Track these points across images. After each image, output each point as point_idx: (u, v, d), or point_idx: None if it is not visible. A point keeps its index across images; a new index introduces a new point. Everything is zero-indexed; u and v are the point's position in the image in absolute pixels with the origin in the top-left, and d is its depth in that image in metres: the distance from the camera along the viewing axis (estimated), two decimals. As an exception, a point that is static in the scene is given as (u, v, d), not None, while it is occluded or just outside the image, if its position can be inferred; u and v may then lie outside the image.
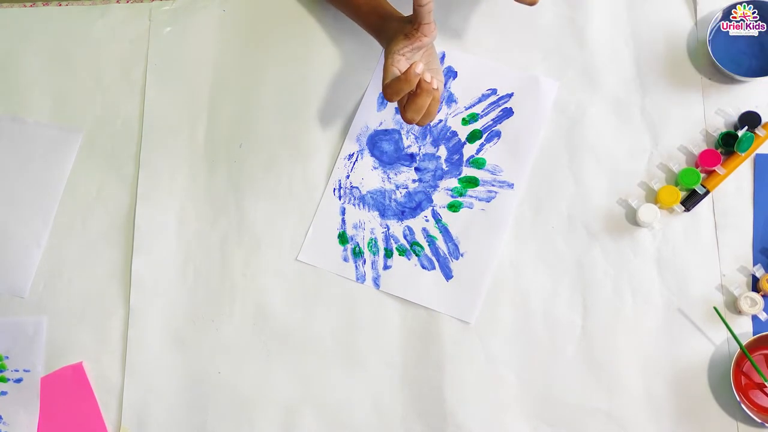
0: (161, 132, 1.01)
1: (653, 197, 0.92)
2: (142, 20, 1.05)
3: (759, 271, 0.88)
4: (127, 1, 1.06)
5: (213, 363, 0.94)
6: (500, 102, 0.97)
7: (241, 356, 0.94)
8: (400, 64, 0.84)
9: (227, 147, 1.00)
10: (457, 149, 0.96)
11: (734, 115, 0.92)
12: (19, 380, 0.96)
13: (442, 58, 0.99)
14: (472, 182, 0.95)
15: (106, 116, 1.02)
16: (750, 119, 0.91)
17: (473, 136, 0.96)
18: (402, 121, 0.97)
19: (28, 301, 0.98)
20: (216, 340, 0.95)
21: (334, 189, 0.97)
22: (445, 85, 0.98)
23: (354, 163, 0.97)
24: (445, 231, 0.94)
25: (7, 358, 0.96)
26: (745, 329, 0.88)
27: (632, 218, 0.92)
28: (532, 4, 0.87)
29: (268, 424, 0.92)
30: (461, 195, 0.95)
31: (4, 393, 0.96)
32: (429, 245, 0.94)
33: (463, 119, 0.97)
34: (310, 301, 0.95)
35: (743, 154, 0.90)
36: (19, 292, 0.98)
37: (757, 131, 0.91)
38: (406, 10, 0.86)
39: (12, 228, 1.00)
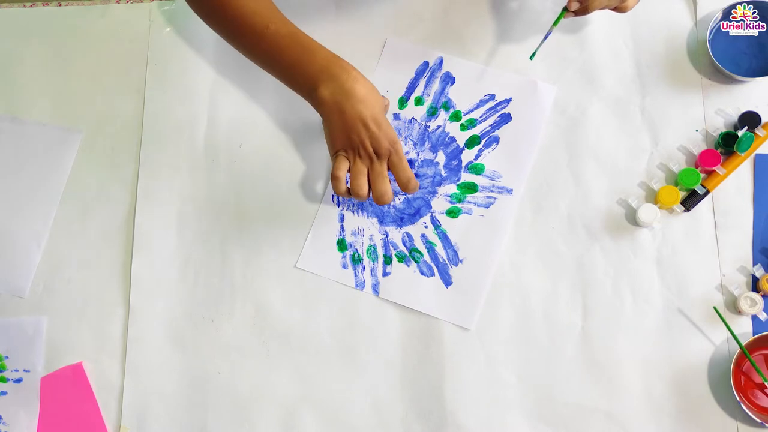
0: (161, 132, 1.01)
1: (653, 197, 0.92)
2: (142, 20, 1.05)
3: (759, 271, 0.88)
4: (127, 1, 1.06)
5: (213, 363, 0.94)
6: (498, 107, 0.97)
7: (241, 356, 0.94)
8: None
9: (227, 147, 1.00)
10: (455, 155, 0.96)
11: (734, 115, 0.92)
12: (19, 380, 0.96)
13: (440, 63, 0.98)
14: (471, 188, 0.95)
15: (106, 116, 1.02)
16: (750, 119, 0.91)
17: (472, 142, 0.96)
18: (400, 127, 0.97)
19: (28, 301, 0.98)
20: (216, 340, 0.95)
21: (333, 196, 0.97)
22: (443, 90, 0.98)
23: None
24: (444, 237, 0.94)
25: (7, 358, 0.96)
26: (745, 329, 0.88)
27: (632, 218, 0.92)
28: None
29: (268, 424, 0.92)
30: (460, 201, 0.95)
31: (4, 393, 0.96)
32: (428, 251, 0.94)
33: (462, 125, 0.97)
34: (310, 300, 0.95)
35: (743, 154, 0.90)
36: (19, 292, 0.98)
37: (757, 131, 0.91)
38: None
39: (12, 228, 1.00)
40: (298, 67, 0.88)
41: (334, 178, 0.88)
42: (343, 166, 0.88)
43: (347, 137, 0.87)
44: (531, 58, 0.92)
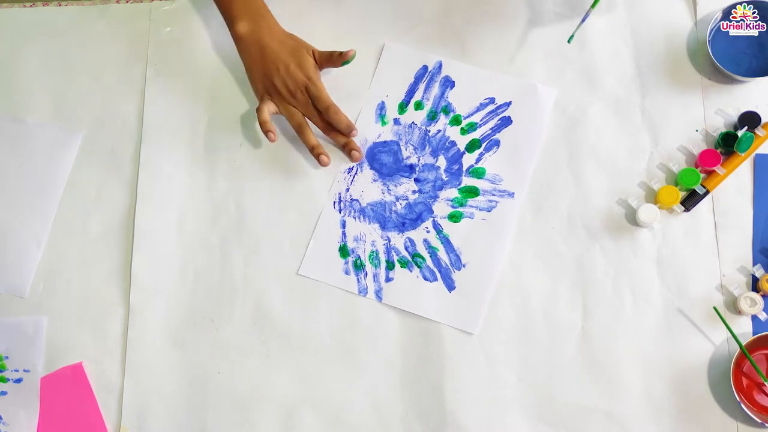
0: (161, 132, 1.01)
1: (653, 197, 0.92)
2: (142, 20, 1.05)
3: (759, 271, 0.88)
4: (127, 1, 1.06)
5: (213, 363, 0.94)
6: (498, 111, 0.97)
7: (241, 356, 0.94)
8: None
9: (227, 147, 1.00)
10: (456, 159, 0.96)
11: (734, 115, 0.92)
12: (19, 380, 0.96)
13: (439, 66, 0.98)
14: (473, 192, 0.95)
15: (106, 116, 1.02)
16: (750, 119, 0.91)
17: (472, 146, 0.96)
18: (401, 132, 0.97)
19: (28, 301, 0.98)
20: (216, 340, 0.95)
21: (334, 202, 0.96)
22: (442, 94, 0.98)
23: (353, 176, 0.97)
24: (446, 242, 0.94)
25: (7, 358, 0.96)
26: (745, 329, 0.88)
27: (632, 218, 0.92)
28: None
29: (268, 424, 0.92)
30: (462, 205, 0.95)
31: (4, 393, 0.96)
32: (431, 256, 0.94)
33: (462, 129, 0.97)
34: (310, 300, 0.95)
35: (743, 154, 0.90)
36: (19, 292, 0.98)
37: (756, 131, 0.91)
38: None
39: (12, 228, 1.00)
40: (227, 2, 0.96)
41: (258, 115, 0.94)
42: (267, 105, 0.95)
43: (263, 74, 0.95)
44: (569, 42, 0.92)
